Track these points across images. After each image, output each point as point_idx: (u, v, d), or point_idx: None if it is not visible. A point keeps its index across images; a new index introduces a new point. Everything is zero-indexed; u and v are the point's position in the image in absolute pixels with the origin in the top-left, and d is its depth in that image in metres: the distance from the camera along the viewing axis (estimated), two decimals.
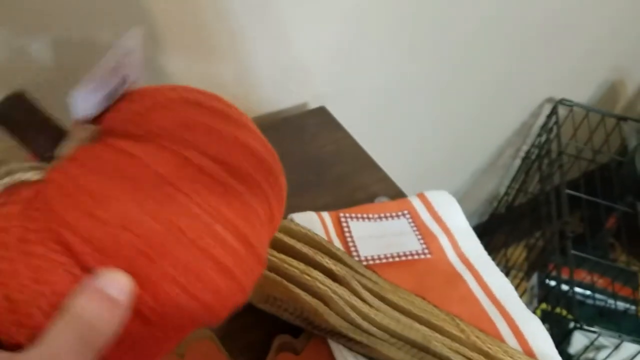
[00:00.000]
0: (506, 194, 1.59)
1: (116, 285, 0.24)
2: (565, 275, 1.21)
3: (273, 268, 0.54)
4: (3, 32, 0.57)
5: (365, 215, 0.69)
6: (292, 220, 0.59)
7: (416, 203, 0.72)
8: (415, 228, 0.68)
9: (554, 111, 1.38)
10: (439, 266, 0.65)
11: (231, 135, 0.29)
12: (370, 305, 0.54)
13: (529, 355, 0.58)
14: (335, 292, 0.53)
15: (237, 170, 0.28)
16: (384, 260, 0.64)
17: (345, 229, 0.67)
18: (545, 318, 1.45)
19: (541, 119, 1.44)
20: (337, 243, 0.66)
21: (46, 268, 0.24)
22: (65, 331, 0.23)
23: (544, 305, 1.46)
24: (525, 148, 1.50)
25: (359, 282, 0.55)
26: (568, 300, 1.22)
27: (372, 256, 0.64)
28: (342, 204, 0.73)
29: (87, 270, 0.24)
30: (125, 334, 0.25)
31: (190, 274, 0.26)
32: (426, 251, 0.65)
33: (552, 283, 1.46)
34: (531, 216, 1.47)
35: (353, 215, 0.69)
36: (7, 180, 0.25)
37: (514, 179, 1.56)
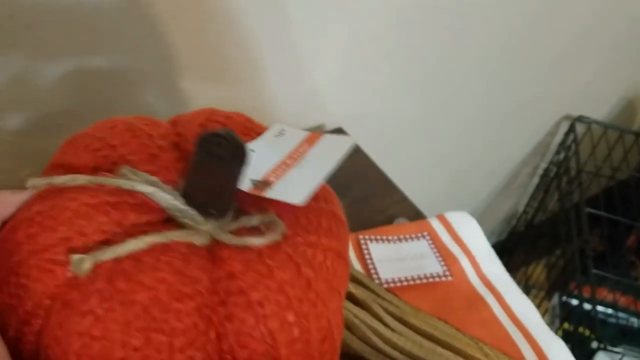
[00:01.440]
0: (525, 212, 1.57)
1: None
2: (586, 294, 1.20)
3: None
4: (22, 57, 0.58)
5: (384, 237, 0.69)
6: None
7: (436, 224, 0.72)
8: (435, 250, 0.68)
9: (571, 128, 1.37)
10: (460, 289, 0.64)
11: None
12: (393, 330, 0.53)
13: None
14: (356, 317, 0.52)
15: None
16: (405, 283, 0.63)
17: (365, 251, 0.67)
18: (567, 338, 1.42)
19: (559, 137, 1.43)
20: (357, 266, 0.65)
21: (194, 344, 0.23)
22: None
23: (566, 325, 1.44)
24: (543, 166, 1.49)
25: (381, 305, 0.55)
26: (590, 320, 1.20)
27: (392, 279, 0.63)
28: (361, 226, 0.73)
29: None
30: None
31: None
32: (447, 273, 0.65)
33: (574, 302, 1.44)
34: (551, 234, 1.45)
35: (372, 237, 0.68)
36: (174, 236, 0.23)
37: (532, 197, 1.55)
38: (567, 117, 1.41)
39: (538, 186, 1.52)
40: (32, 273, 0.22)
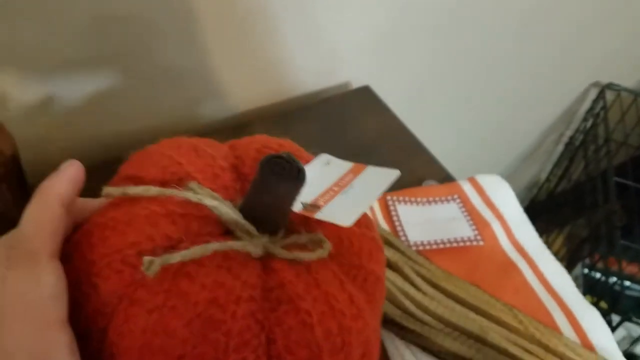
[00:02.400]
0: (547, 180, 1.54)
1: None
2: (611, 267, 1.17)
3: None
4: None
5: (413, 199, 0.66)
6: None
7: (467, 187, 0.69)
8: (466, 213, 0.65)
9: (600, 96, 1.33)
10: (492, 254, 0.62)
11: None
12: (424, 293, 0.51)
13: (588, 349, 0.55)
14: (387, 279, 0.50)
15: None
16: (434, 247, 0.61)
17: (393, 213, 0.64)
18: None
19: (586, 104, 1.38)
20: (385, 227, 0.63)
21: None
22: None
23: (588, 298, 1.42)
24: (569, 133, 1.45)
25: (412, 268, 0.53)
26: (613, 293, 1.18)
27: (421, 241, 0.61)
28: (388, 188, 0.70)
29: None
30: None
31: None
32: (478, 238, 0.62)
33: (595, 274, 1.42)
34: (574, 203, 1.42)
35: (401, 198, 0.66)
36: (235, 245, 0.25)
37: (556, 165, 1.51)
38: (596, 84, 1.36)
39: (562, 154, 1.48)
40: (103, 273, 0.24)
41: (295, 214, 0.28)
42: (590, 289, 1.46)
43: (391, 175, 0.33)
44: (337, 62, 0.84)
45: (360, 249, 0.30)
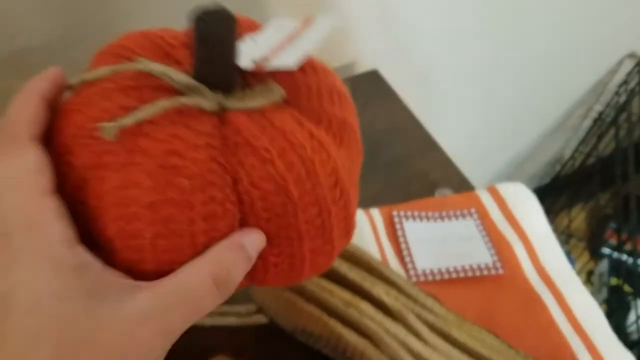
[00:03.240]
0: (572, 157, 1.43)
1: (255, 244, 0.27)
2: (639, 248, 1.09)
3: (311, 298, 0.43)
4: None
5: (423, 214, 0.57)
6: None
7: (485, 199, 0.60)
8: (484, 233, 0.56)
9: (636, 69, 1.21)
10: (513, 284, 0.53)
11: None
12: (426, 343, 0.43)
13: None
14: (387, 331, 0.42)
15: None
16: (445, 276, 0.52)
17: (399, 231, 0.56)
18: (614, 294, 1.34)
19: (619, 77, 1.26)
20: (388, 247, 0.55)
21: (219, 214, 0.26)
22: (203, 268, 0.26)
23: (613, 280, 1.34)
24: (598, 108, 1.34)
25: (419, 315, 0.44)
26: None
27: (430, 270, 0.53)
28: (395, 194, 0.61)
29: (241, 224, 0.27)
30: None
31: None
32: (498, 265, 0.54)
33: (623, 257, 1.34)
34: (601, 175, 1.33)
35: (409, 213, 0.57)
36: (183, 100, 0.27)
37: (582, 142, 1.40)
38: (631, 56, 1.24)
39: (590, 130, 1.37)
40: (73, 150, 0.27)
41: (248, 73, 0.29)
42: (616, 270, 1.39)
43: (330, 18, 0.33)
44: (344, 42, 0.73)
45: (320, 95, 0.31)
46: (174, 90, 0.28)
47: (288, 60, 0.29)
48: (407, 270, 0.53)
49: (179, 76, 0.28)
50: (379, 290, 0.44)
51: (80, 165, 0.26)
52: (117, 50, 0.30)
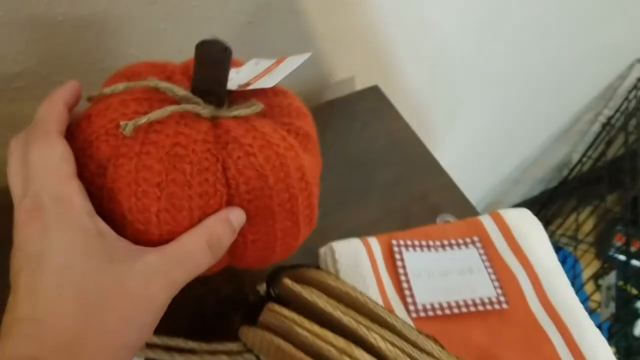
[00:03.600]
0: (580, 162, 1.40)
1: (238, 219, 0.34)
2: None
3: (303, 345, 0.41)
4: None
5: (424, 243, 0.55)
6: (329, 274, 0.46)
7: (489, 225, 0.57)
8: (487, 263, 0.54)
9: None
10: (517, 319, 0.51)
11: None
12: None
13: None
14: None
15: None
16: (447, 312, 0.50)
17: (398, 262, 0.53)
18: (621, 297, 1.32)
19: (629, 82, 1.23)
20: (387, 280, 0.52)
21: (211, 193, 0.33)
22: (199, 236, 0.32)
23: (620, 283, 1.32)
24: (607, 112, 1.30)
25: None
26: None
27: (431, 304, 0.50)
28: (395, 219, 0.59)
29: (227, 203, 0.34)
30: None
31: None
32: (502, 299, 0.51)
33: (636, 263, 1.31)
34: (610, 179, 1.30)
35: (409, 242, 0.55)
36: (185, 108, 0.34)
37: (590, 146, 1.37)
38: None
39: (598, 135, 1.34)
40: (94, 144, 0.33)
41: (234, 93, 0.37)
42: (623, 274, 1.37)
43: (304, 56, 0.39)
44: (342, 52, 0.71)
45: (289, 111, 0.39)
46: (175, 102, 0.35)
47: (267, 82, 0.36)
48: (406, 305, 0.51)
49: (181, 91, 0.35)
50: (376, 336, 0.41)
51: (101, 157, 0.33)
52: (129, 73, 0.37)
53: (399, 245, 0.54)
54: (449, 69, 0.89)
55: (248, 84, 0.37)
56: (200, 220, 0.33)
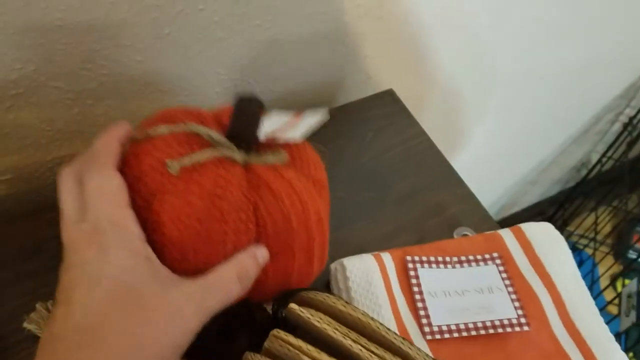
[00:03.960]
0: (599, 162, 1.36)
1: (264, 256, 0.38)
2: None
3: None
4: None
5: (440, 260, 0.52)
6: (339, 298, 0.43)
7: (510, 241, 0.54)
8: (508, 282, 0.51)
9: None
10: (539, 342, 0.48)
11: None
12: None
13: None
14: None
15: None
16: (464, 334, 0.47)
17: (413, 279, 0.51)
18: None
19: None
20: (401, 299, 0.50)
21: (243, 230, 0.37)
22: (231, 268, 0.36)
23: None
24: (629, 112, 1.26)
25: None
26: None
27: (447, 326, 0.48)
28: (409, 233, 0.57)
29: (255, 240, 0.38)
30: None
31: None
32: (523, 321, 0.48)
33: None
34: (628, 182, 1.27)
35: (424, 259, 0.52)
36: (223, 152, 0.38)
37: (610, 146, 1.33)
38: None
39: (619, 136, 1.30)
40: (142, 181, 0.36)
41: (262, 143, 0.41)
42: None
43: (320, 114, 0.43)
44: (354, 56, 0.68)
45: (308, 163, 0.42)
46: (211, 146, 0.38)
47: (294, 135, 0.40)
48: (421, 326, 0.48)
49: (218, 136, 0.39)
50: None
51: (147, 191, 0.36)
52: (166, 116, 0.40)
53: (413, 262, 0.52)
54: (467, 71, 0.86)
55: (274, 134, 0.40)
56: (232, 254, 0.36)
